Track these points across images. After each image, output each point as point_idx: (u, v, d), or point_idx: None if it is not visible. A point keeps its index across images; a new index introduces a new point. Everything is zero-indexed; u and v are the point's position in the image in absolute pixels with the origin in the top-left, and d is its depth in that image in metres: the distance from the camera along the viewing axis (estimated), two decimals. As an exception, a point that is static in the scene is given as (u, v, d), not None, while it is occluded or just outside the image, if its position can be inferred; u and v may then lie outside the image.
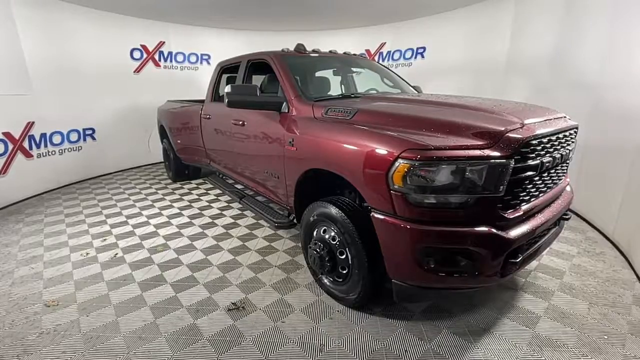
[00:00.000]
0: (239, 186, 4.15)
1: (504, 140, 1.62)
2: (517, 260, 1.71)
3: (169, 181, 5.41)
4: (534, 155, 1.72)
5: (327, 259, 2.17)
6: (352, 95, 2.82)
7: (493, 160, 1.56)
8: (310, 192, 2.49)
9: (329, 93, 3.09)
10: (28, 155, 4.59)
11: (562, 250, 2.93)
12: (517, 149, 1.61)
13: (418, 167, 1.57)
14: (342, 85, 3.54)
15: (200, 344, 1.90)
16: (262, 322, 2.08)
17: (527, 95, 4.40)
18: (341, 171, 2.00)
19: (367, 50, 6.89)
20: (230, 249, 3.05)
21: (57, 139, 5.02)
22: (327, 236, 2.20)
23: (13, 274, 2.69)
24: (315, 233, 2.33)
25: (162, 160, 5.96)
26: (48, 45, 4.79)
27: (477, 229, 1.60)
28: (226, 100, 2.65)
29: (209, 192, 4.79)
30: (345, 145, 1.95)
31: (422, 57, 6.29)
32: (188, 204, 4.29)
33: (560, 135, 1.93)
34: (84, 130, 5.47)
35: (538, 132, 1.75)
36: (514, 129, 1.70)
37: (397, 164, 1.62)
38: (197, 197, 4.58)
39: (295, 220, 2.72)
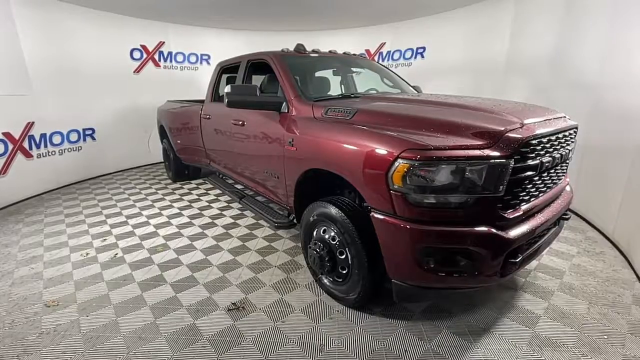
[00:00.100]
0: (238, 186, 4.15)
1: (504, 140, 1.62)
2: (517, 260, 1.71)
3: (169, 181, 5.41)
4: (533, 155, 1.72)
5: (327, 259, 2.17)
6: (352, 95, 2.82)
7: (493, 160, 1.56)
8: (310, 192, 2.49)
9: (328, 93, 3.09)
10: (28, 155, 4.59)
11: (562, 250, 2.93)
12: (517, 149, 1.61)
13: (418, 167, 1.57)
14: (342, 85, 3.55)
15: (200, 344, 1.90)
16: (262, 322, 2.09)
17: (526, 95, 4.41)
18: (341, 171, 2.00)
19: (367, 50, 6.89)
20: (230, 249, 3.05)
21: (57, 139, 5.02)
22: (327, 236, 2.20)
23: (13, 274, 2.69)
24: (315, 233, 2.33)
25: (162, 160, 5.96)
26: (48, 45, 4.79)
27: (476, 228, 1.60)
28: (226, 100, 2.65)
29: (208, 192, 4.79)
30: (345, 145, 1.95)
31: (422, 57, 6.29)
32: (188, 204, 4.29)
33: (560, 135, 1.93)
34: (84, 130, 5.47)
35: (538, 132, 1.75)
36: (514, 129, 1.70)
37: (396, 164, 1.62)
38: (197, 197, 4.58)
39: (295, 220, 2.72)
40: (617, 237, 2.98)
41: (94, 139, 5.63)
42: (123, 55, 5.95)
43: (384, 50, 6.80)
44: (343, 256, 2.11)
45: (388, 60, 6.75)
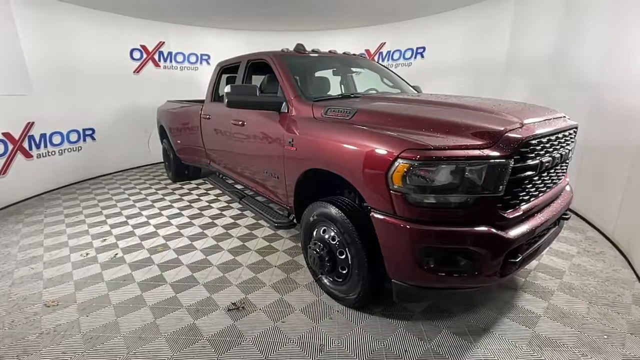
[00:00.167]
0: (238, 186, 4.15)
1: (504, 140, 1.62)
2: (517, 260, 1.71)
3: (169, 181, 5.41)
4: (533, 155, 1.72)
5: (326, 259, 2.17)
6: (352, 95, 2.82)
7: (492, 160, 1.56)
8: (310, 192, 2.49)
9: (328, 93, 3.09)
10: (28, 155, 4.59)
11: (561, 250, 2.93)
12: (517, 149, 1.61)
13: (417, 167, 1.57)
14: (342, 85, 3.54)
15: (200, 344, 1.90)
16: (262, 322, 2.09)
17: (526, 95, 4.41)
18: (341, 171, 2.00)
19: (367, 50, 6.89)
20: (230, 249, 3.05)
21: (56, 139, 5.02)
22: (326, 236, 2.20)
23: (13, 275, 2.69)
24: (315, 233, 2.33)
25: (162, 160, 5.96)
26: (48, 45, 4.79)
27: (476, 228, 1.60)
28: (226, 100, 2.65)
29: (208, 192, 4.79)
30: (344, 145, 1.95)
31: (422, 57, 6.29)
32: (188, 204, 4.29)
33: (560, 135, 1.93)
34: (84, 130, 5.47)
35: (537, 131, 1.75)
36: (514, 129, 1.70)
37: (396, 163, 1.62)
38: (197, 197, 4.58)
39: (295, 220, 2.72)
40: (617, 237, 2.98)
41: (93, 139, 5.63)
42: (123, 55, 5.95)
43: (384, 50, 6.80)
44: (343, 256, 2.11)
45: (388, 60, 6.75)
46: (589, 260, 2.77)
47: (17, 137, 4.42)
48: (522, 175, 1.68)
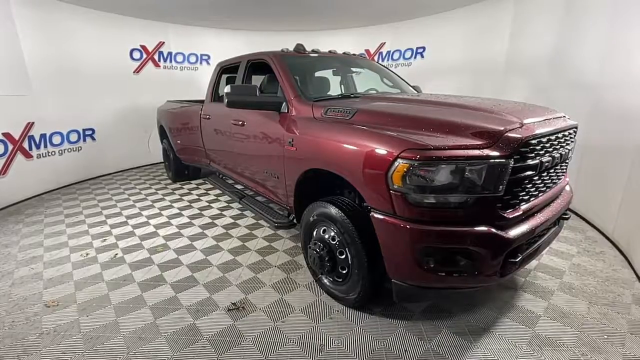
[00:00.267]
0: (238, 186, 4.15)
1: (503, 140, 1.62)
2: (517, 260, 1.71)
3: (169, 181, 5.41)
4: (533, 154, 1.72)
5: (326, 259, 2.17)
6: (352, 95, 2.82)
7: (492, 160, 1.56)
8: (310, 192, 2.49)
9: (328, 93, 3.09)
10: (28, 155, 4.59)
11: (561, 250, 2.93)
12: (517, 149, 1.61)
13: (417, 167, 1.57)
14: (342, 85, 3.55)
15: (200, 344, 1.90)
16: (262, 322, 2.09)
17: (526, 95, 4.41)
18: (341, 171, 2.00)
19: (367, 50, 6.89)
20: (230, 249, 3.05)
21: (56, 139, 5.02)
22: (326, 236, 2.21)
23: (13, 275, 2.69)
24: (315, 233, 2.33)
25: (162, 160, 5.96)
26: (47, 45, 4.79)
27: (476, 228, 1.60)
28: (226, 100, 2.65)
29: (208, 192, 4.79)
30: (344, 145, 1.95)
31: (422, 57, 6.29)
32: (188, 204, 4.29)
33: (560, 135, 1.93)
34: (84, 130, 5.47)
35: (537, 131, 1.75)
36: (513, 129, 1.70)
37: (396, 163, 1.62)
38: (196, 197, 4.58)
39: (295, 220, 2.72)
40: (617, 237, 2.98)
41: (93, 139, 5.64)
42: (123, 55, 5.95)
43: (384, 50, 6.80)
44: (343, 256, 2.11)
45: (388, 60, 6.75)
46: (589, 260, 2.77)
47: (17, 138, 4.42)
48: (522, 175, 1.68)
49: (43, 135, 4.80)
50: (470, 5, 5.33)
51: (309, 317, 2.12)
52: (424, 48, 6.24)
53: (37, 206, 4.32)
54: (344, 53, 3.58)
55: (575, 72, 3.63)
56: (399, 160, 1.61)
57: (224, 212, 3.97)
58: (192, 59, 6.87)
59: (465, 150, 1.58)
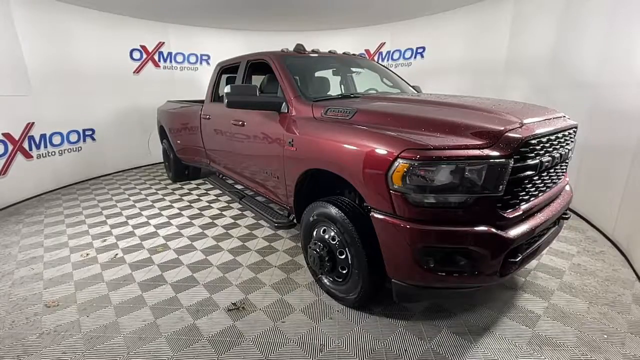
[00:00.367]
0: (238, 186, 4.15)
1: (503, 140, 1.62)
2: (517, 260, 1.72)
3: (169, 182, 5.41)
4: (533, 154, 1.72)
5: (326, 259, 2.17)
6: (352, 95, 2.83)
7: (492, 160, 1.56)
8: (310, 192, 2.49)
9: (328, 93, 3.09)
10: (28, 156, 4.59)
11: (561, 250, 2.93)
12: (517, 149, 1.61)
13: (417, 166, 1.57)
14: (342, 85, 3.55)
15: (200, 344, 1.90)
16: (262, 322, 2.09)
17: (526, 95, 4.41)
18: (341, 171, 2.00)
19: (367, 50, 6.90)
20: (230, 249, 3.05)
21: (56, 139, 5.02)
22: (326, 236, 2.21)
23: (13, 275, 2.69)
24: (315, 233, 2.33)
25: (162, 160, 5.96)
26: (47, 46, 4.79)
27: (476, 228, 1.60)
28: (226, 100, 2.65)
29: (208, 192, 4.79)
30: (344, 145, 1.95)
31: (422, 57, 6.29)
32: (188, 204, 4.29)
33: (560, 135, 1.93)
34: (84, 130, 5.47)
35: (537, 131, 1.75)
36: (513, 129, 1.70)
37: (396, 163, 1.62)
38: (197, 197, 4.58)
39: (295, 220, 2.72)
40: (617, 237, 2.98)
41: (93, 139, 5.64)
42: (123, 55, 5.96)
43: (384, 50, 6.80)
44: (343, 256, 2.11)
45: (388, 60, 6.75)
46: (589, 259, 2.77)
47: (17, 138, 4.42)
48: (522, 174, 1.68)
49: (43, 136, 4.80)
50: (470, 5, 5.34)
51: (309, 317, 2.12)
52: (423, 48, 6.24)
53: (37, 206, 4.32)
54: (344, 53, 3.58)
55: (575, 71, 3.63)
56: (399, 160, 1.61)
57: (224, 212, 3.98)
58: (192, 59, 6.87)
59: (465, 150, 1.58)
